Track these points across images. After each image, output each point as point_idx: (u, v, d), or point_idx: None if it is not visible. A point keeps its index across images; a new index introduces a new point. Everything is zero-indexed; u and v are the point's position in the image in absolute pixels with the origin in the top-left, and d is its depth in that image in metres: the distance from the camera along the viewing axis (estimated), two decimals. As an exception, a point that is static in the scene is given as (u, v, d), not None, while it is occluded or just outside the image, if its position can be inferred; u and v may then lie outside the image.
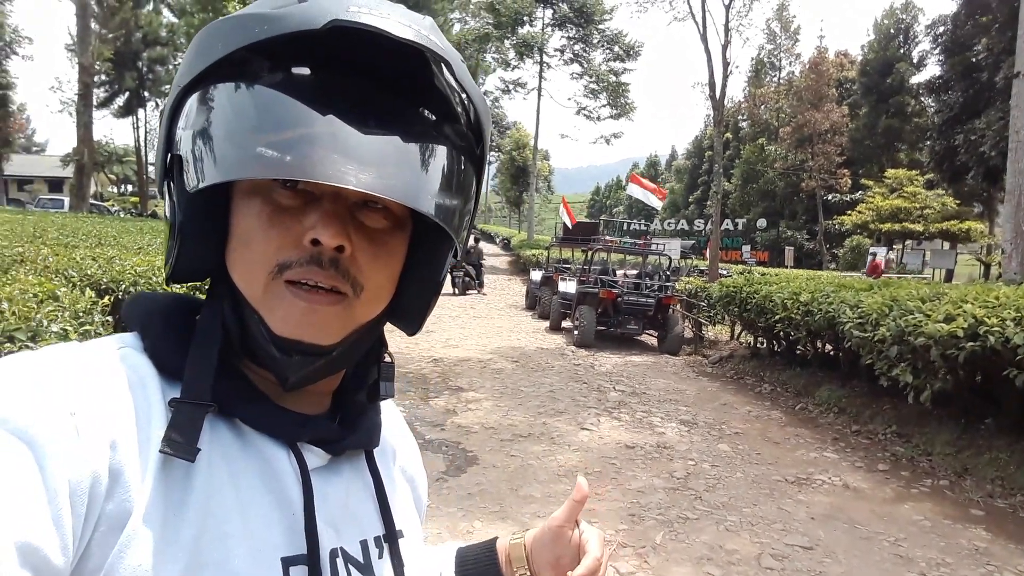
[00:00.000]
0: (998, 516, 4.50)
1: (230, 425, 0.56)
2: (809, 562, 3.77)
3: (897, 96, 41.67)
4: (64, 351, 0.51)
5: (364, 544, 0.62)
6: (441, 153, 0.55)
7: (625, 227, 45.55)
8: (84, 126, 22.46)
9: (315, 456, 0.59)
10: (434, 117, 0.57)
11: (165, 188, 0.57)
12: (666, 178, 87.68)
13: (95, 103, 24.89)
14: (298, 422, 0.58)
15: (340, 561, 0.58)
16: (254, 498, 0.54)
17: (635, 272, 13.20)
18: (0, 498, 0.40)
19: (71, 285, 3.71)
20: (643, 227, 47.31)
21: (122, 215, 29.80)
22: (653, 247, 14.81)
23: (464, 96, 0.57)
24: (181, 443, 0.49)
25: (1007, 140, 9.65)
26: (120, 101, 45.21)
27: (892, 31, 44.02)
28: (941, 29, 32.06)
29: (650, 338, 12.10)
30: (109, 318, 3.29)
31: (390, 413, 0.75)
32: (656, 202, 19.12)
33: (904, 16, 44.29)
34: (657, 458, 5.47)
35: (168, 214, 0.57)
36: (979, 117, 27.27)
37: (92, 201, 27.28)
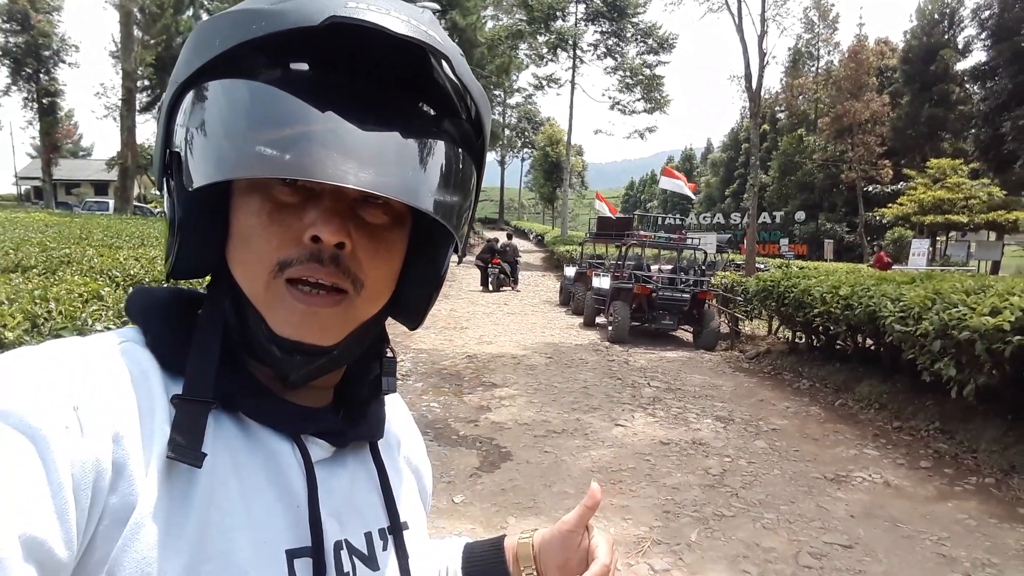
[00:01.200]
0: (1047, 515, 4.36)
1: (234, 418, 0.56)
2: (848, 560, 3.70)
3: (941, 84, 40.47)
4: (66, 345, 0.51)
5: (369, 536, 0.62)
6: (440, 149, 0.54)
7: (660, 222, 45.15)
8: (127, 130, 22.90)
9: (319, 448, 0.59)
10: (434, 113, 0.57)
11: (164, 184, 0.57)
12: (702, 171, 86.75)
13: (138, 107, 25.35)
14: (302, 415, 0.59)
15: (344, 553, 0.58)
16: (258, 491, 0.54)
17: (670, 267, 13.08)
18: (4, 492, 0.40)
19: (115, 285, 3.82)
20: (678, 221, 46.85)
21: (164, 216, 30.45)
22: (688, 242, 14.66)
23: (464, 91, 0.57)
24: (186, 447, 0.49)
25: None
26: (162, 105, 46.27)
27: (936, 16, 42.70)
28: (987, 14, 31.10)
29: (685, 334, 11.98)
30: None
31: (394, 404, 0.75)
32: (687, 191, 19.36)
33: (948, 0, 42.98)
34: (692, 455, 5.42)
35: (167, 211, 0.57)
36: (1028, 104, 26.44)
37: (136, 203, 27.90)
